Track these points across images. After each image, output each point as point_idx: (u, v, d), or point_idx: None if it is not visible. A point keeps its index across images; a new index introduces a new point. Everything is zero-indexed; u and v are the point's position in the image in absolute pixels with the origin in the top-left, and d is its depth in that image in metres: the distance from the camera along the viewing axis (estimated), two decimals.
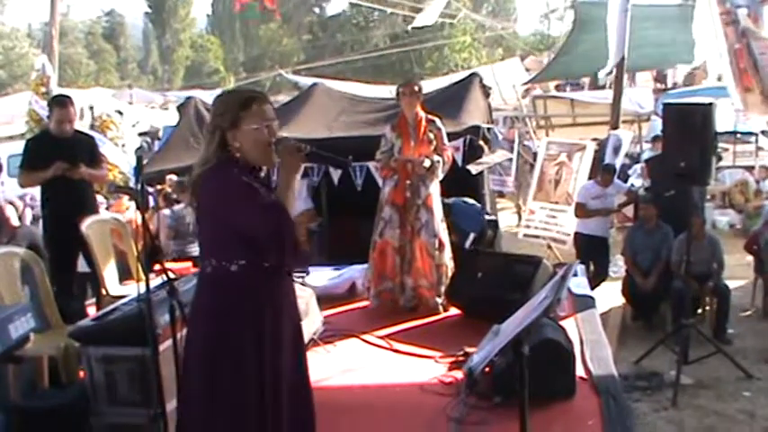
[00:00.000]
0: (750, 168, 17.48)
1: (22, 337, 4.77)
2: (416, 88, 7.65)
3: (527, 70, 30.48)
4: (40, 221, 8.17)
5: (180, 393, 3.73)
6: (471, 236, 9.04)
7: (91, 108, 16.69)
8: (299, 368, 3.80)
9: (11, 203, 10.15)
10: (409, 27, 23.85)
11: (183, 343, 3.76)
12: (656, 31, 18.27)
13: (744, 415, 6.76)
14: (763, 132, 17.93)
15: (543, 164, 12.50)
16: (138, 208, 4.68)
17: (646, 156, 14.82)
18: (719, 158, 14.92)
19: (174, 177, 10.27)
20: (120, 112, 18.60)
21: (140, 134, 20.65)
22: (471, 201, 9.49)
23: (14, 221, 8.38)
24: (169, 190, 10.27)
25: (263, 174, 3.66)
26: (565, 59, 22.00)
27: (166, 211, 9.95)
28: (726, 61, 10.32)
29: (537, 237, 12.25)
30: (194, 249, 9.36)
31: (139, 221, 4.24)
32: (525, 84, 23.55)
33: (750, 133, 17.67)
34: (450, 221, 8.07)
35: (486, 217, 9.53)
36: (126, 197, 10.32)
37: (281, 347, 3.62)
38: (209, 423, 3.55)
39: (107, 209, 10.03)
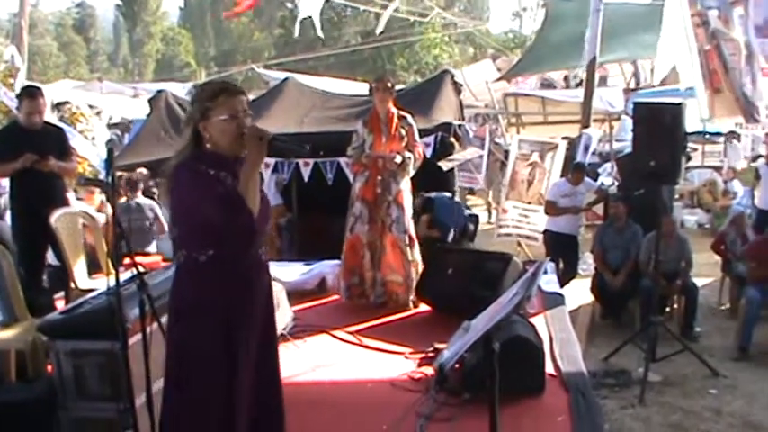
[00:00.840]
0: (718, 169, 17.64)
1: None
2: (389, 84, 7.68)
3: (498, 70, 30.54)
4: (8, 213, 8.09)
5: (164, 379, 3.76)
6: (453, 230, 9.09)
7: (58, 106, 16.47)
8: (270, 361, 3.86)
9: None
10: (377, 31, 23.71)
11: (152, 337, 3.83)
12: (625, 27, 18.39)
13: (710, 412, 6.81)
14: (731, 133, 18.09)
15: (515, 163, 12.53)
16: (108, 200, 4.64)
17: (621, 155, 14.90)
18: (689, 158, 15.09)
19: (145, 171, 10.20)
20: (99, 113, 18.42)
21: (110, 125, 20.45)
22: (452, 196, 9.54)
23: None
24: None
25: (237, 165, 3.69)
26: (536, 55, 22.08)
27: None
28: (696, 63, 10.38)
29: (509, 235, 12.30)
30: (147, 245, 9.33)
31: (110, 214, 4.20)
32: (497, 80, 23.59)
33: (718, 134, 17.82)
34: (431, 216, 8.09)
35: (467, 212, 9.58)
36: (97, 190, 10.22)
37: (250, 337, 3.67)
38: (176, 411, 3.62)
39: (78, 200, 9.93)
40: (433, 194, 8.99)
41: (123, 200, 9.65)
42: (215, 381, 3.57)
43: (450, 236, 9.14)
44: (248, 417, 3.67)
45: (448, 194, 9.48)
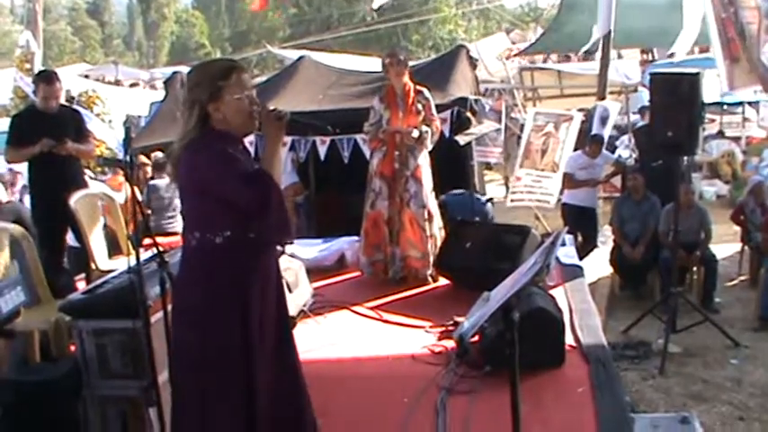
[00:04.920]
0: (737, 139, 17.52)
1: (12, 312, 4.77)
2: (402, 57, 7.63)
3: (513, 43, 30.53)
4: (27, 197, 8.15)
5: (170, 366, 3.72)
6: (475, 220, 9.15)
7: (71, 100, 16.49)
8: (286, 344, 3.80)
9: None
10: (374, 5, 23.31)
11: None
12: (642, 12, 18.29)
13: (731, 382, 6.82)
14: (749, 103, 17.94)
15: (530, 134, 12.48)
16: (127, 179, 4.66)
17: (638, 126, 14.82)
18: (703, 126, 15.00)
19: (160, 155, 10.22)
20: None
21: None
22: (459, 190, 9.51)
23: (2, 197, 8.37)
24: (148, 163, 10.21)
25: (242, 146, 3.67)
26: (552, 37, 22.03)
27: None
28: (714, 32, 10.29)
29: (521, 200, 12.24)
30: (171, 224, 9.35)
31: (129, 194, 4.22)
32: (514, 55, 23.56)
33: (737, 104, 17.68)
34: (447, 219, 8.09)
35: (479, 197, 9.58)
36: (121, 172, 10.26)
37: (266, 319, 3.62)
38: (198, 393, 3.54)
39: (95, 180, 9.98)
40: (442, 197, 9.01)
41: (156, 180, 9.69)
42: (235, 368, 3.51)
43: None
44: (271, 405, 3.62)
45: (458, 191, 9.48)
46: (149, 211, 9.56)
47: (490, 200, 10.18)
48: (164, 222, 9.40)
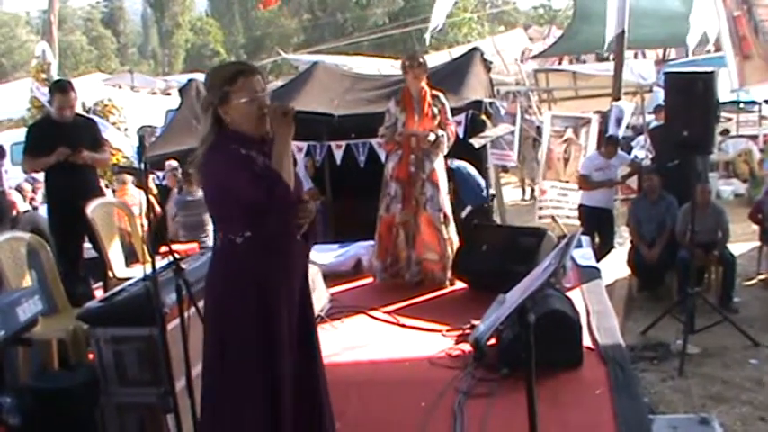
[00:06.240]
0: (754, 137, 17.43)
1: (30, 320, 4.79)
2: (422, 60, 7.63)
3: (530, 39, 30.56)
4: (45, 206, 8.20)
5: (203, 364, 3.80)
6: (468, 208, 9.09)
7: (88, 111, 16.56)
8: (310, 344, 3.88)
9: (17, 189, 10.18)
10: (426, 35, 23.31)
11: (190, 321, 3.85)
12: (655, 19, 18.22)
13: (751, 382, 6.77)
14: (766, 101, 17.84)
15: (550, 141, 12.45)
16: (140, 187, 4.66)
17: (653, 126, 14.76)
18: (727, 131, 15.02)
19: (174, 163, 10.23)
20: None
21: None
22: (474, 172, 9.48)
23: (21, 206, 8.42)
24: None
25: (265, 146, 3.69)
26: (566, 44, 21.99)
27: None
28: (725, 30, 10.26)
29: (550, 216, 12.23)
30: (206, 239, 9.30)
31: (145, 201, 4.24)
32: (530, 58, 23.56)
33: (753, 102, 17.59)
34: (453, 186, 8.06)
35: (485, 191, 9.56)
36: (129, 183, 10.28)
37: (290, 319, 3.69)
38: (220, 391, 3.65)
39: (113, 193, 10.01)
40: (455, 164, 8.94)
41: (179, 193, 9.67)
42: (255, 366, 3.59)
43: (465, 212, 9.16)
44: (292, 402, 3.68)
45: (470, 169, 9.45)
46: (178, 222, 9.50)
47: (494, 197, 10.17)
48: (197, 236, 9.35)
